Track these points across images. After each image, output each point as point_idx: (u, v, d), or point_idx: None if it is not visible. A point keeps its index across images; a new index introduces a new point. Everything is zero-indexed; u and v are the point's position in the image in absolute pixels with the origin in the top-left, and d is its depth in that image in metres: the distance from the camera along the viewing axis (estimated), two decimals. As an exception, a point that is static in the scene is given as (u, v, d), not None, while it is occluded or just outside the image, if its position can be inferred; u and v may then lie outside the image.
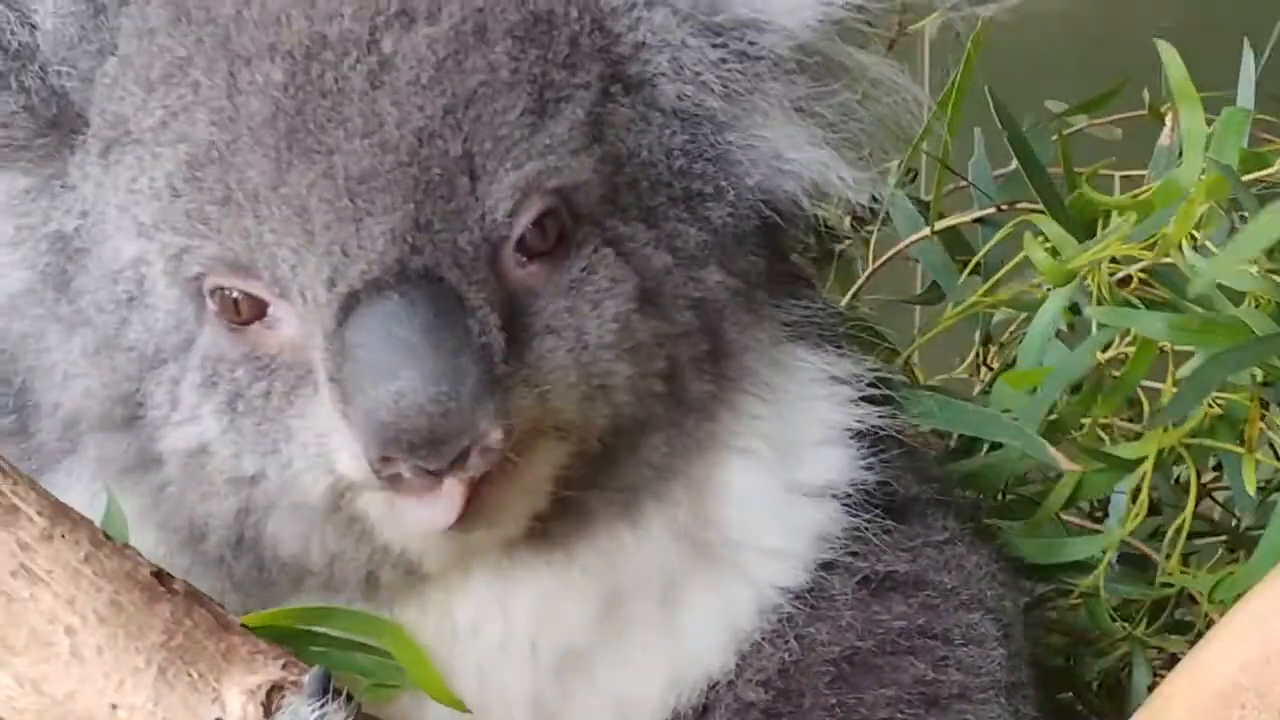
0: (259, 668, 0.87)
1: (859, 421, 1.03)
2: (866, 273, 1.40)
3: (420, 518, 0.90)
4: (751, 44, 1.00)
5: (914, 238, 1.31)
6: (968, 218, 1.29)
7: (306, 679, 0.86)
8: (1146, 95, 1.40)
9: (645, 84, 1.00)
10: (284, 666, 0.87)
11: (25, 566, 0.85)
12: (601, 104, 0.97)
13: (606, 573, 0.98)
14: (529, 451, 0.91)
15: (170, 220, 0.92)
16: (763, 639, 1.01)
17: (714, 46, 1.00)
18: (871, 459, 1.03)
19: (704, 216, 1.00)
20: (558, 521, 0.96)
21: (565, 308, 0.94)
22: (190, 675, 0.86)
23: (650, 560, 0.98)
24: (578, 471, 0.95)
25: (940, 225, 1.29)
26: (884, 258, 1.37)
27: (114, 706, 0.85)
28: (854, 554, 1.03)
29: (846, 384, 1.04)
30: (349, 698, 0.85)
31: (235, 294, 0.91)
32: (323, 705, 0.84)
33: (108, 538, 0.88)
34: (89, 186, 0.96)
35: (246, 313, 0.92)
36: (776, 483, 1.02)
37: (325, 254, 0.89)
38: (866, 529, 1.02)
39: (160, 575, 0.88)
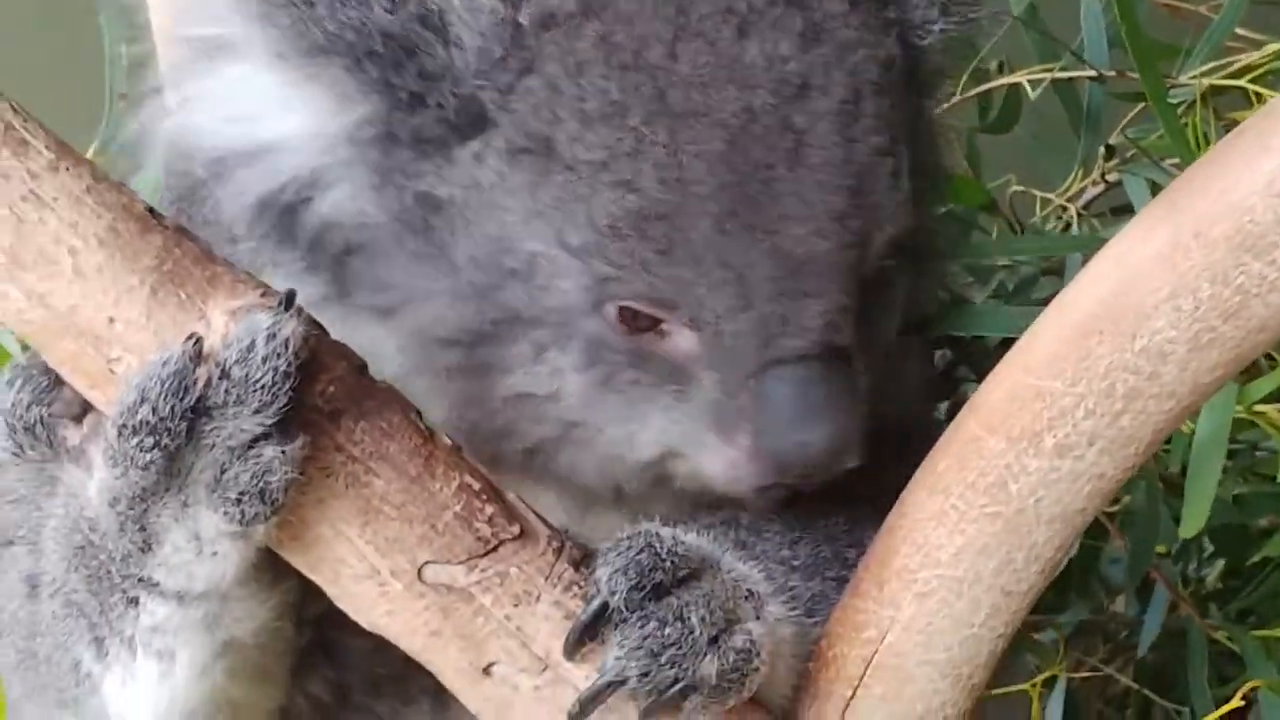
0: (240, 293, 0.97)
1: None
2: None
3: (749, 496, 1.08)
4: None
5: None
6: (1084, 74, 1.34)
7: (276, 299, 0.96)
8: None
9: (919, 64, 1.13)
10: (263, 294, 0.97)
11: (34, 193, 0.95)
12: (909, 126, 1.09)
13: None
14: None
15: (604, 253, 1.03)
16: None
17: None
18: None
19: (923, 181, 1.12)
20: None
21: (879, 324, 1.10)
22: (179, 296, 0.96)
23: None
24: None
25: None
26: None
27: (111, 320, 0.96)
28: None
29: None
30: (299, 310, 0.95)
31: (640, 312, 1.05)
32: (277, 315, 0.95)
33: (105, 176, 0.98)
34: (484, 174, 1.05)
35: (644, 326, 1.05)
36: None
37: (761, 322, 1.03)
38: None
39: (153, 211, 0.98)
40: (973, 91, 1.43)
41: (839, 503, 1.12)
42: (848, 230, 1.04)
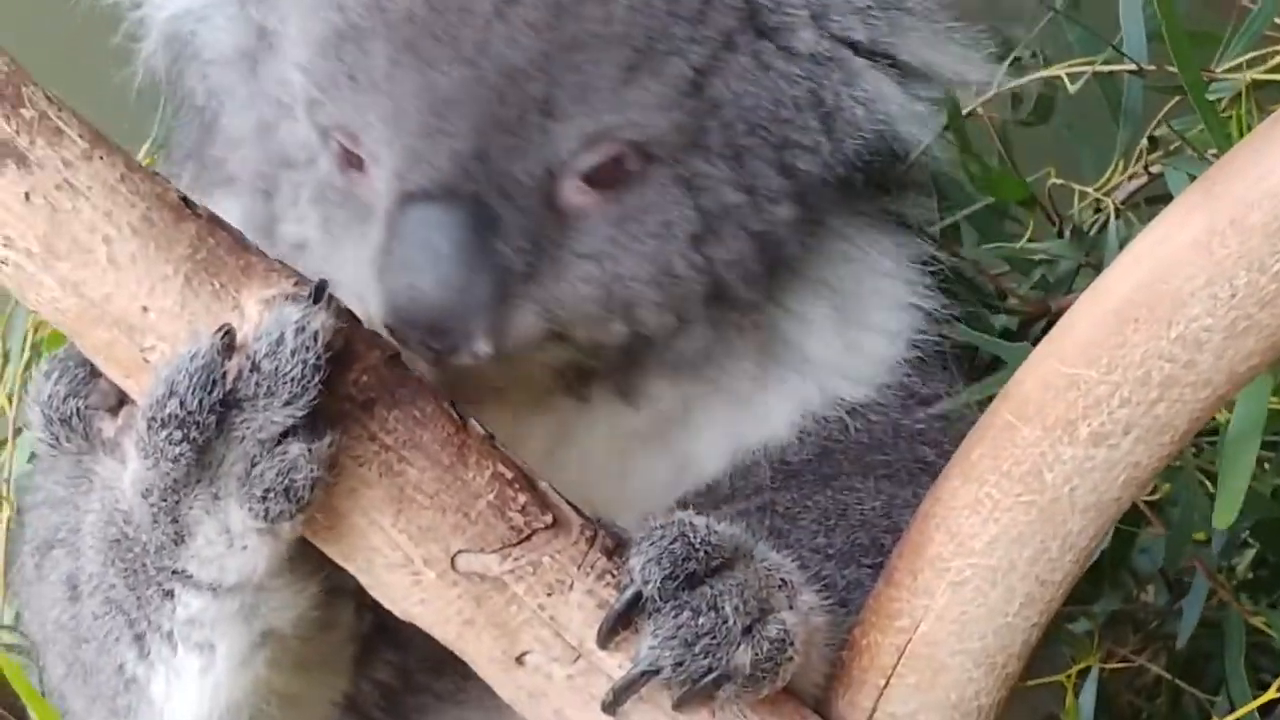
0: (274, 282, 0.97)
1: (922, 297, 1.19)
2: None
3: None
4: None
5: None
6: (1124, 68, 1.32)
7: (308, 289, 0.97)
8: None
9: (780, 30, 1.10)
10: (295, 283, 0.98)
11: (68, 181, 0.95)
12: (720, 54, 1.07)
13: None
14: (528, 351, 1.08)
15: (313, 75, 1.07)
16: (817, 421, 1.18)
17: None
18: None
19: (791, 164, 1.10)
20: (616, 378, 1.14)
21: (611, 237, 1.06)
22: (213, 285, 0.97)
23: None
24: (603, 360, 1.11)
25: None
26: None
27: (145, 309, 0.96)
28: (907, 375, 1.19)
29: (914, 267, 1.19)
30: (330, 300, 0.96)
31: (348, 149, 1.08)
32: (306, 308, 0.95)
33: (139, 164, 0.98)
34: (285, 4, 1.10)
35: (354, 164, 1.09)
36: (842, 330, 1.18)
37: (400, 154, 1.04)
38: (924, 360, 1.19)
39: (186, 200, 0.98)
40: (1010, 84, 1.42)
41: (876, 487, 1.13)
42: (520, 89, 1.04)
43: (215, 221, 0.98)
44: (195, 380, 0.93)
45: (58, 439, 1.00)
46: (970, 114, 1.45)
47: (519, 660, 0.99)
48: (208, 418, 0.93)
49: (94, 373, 0.99)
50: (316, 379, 0.94)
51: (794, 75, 1.11)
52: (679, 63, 1.07)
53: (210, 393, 0.93)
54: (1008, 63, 1.45)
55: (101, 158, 0.97)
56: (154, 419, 0.94)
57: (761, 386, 1.17)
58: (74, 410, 0.99)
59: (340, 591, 1.03)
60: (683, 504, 1.13)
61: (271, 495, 0.94)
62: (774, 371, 1.17)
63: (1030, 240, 1.38)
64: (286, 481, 0.94)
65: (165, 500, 0.95)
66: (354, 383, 0.97)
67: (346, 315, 0.97)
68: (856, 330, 1.19)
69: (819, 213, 1.15)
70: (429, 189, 1.04)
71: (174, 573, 0.98)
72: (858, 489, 1.14)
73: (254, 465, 0.94)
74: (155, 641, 1.00)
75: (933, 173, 1.23)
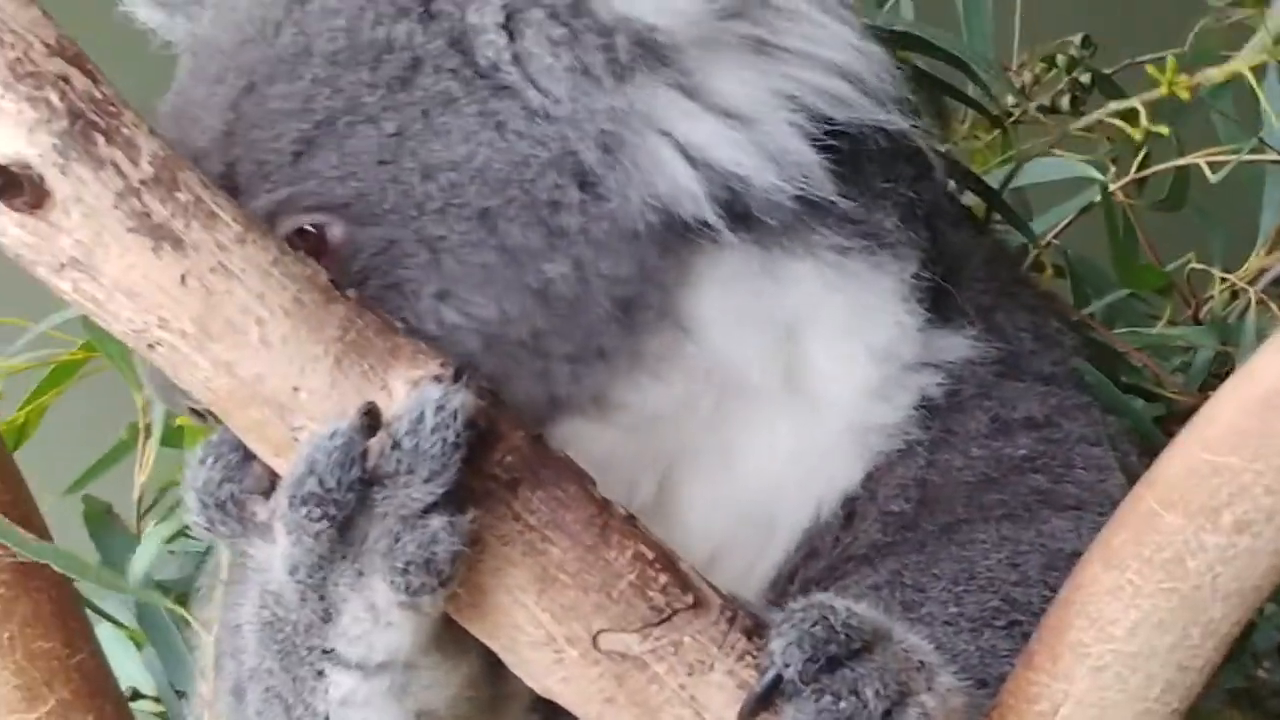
0: (421, 364, 0.99)
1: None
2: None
3: None
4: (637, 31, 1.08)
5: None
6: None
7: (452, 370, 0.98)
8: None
9: (504, 91, 1.09)
10: (441, 365, 0.99)
11: (223, 264, 0.97)
12: (433, 117, 1.08)
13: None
14: None
15: None
16: (893, 460, 1.15)
17: (599, 47, 1.08)
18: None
19: (553, 223, 1.09)
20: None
21: None
22: (362, 366, 0.98)
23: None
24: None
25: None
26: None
27: (296, 389, 0.98)
28: (984, 397, 1.16)
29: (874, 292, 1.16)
30: (472, 380, 0.97)
31: None
32: (447, 388, 0.96)
33: (291, 249, 1.01)
34: None
35: None
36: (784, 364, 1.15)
37: None
38: (992, 381, 1.16)
39: (335, 283, 1.00)
40: (1147, 171, 1.42)
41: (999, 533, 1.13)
42: (205, 168, 1.04)
43: (364, 304, 1.00)
44: (334, 459, 0.95)
45: (212, 523, 1.01)
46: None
47: (660, 740, 1.00)
48: (346, 495, 0.95)
49: (247, 457, 1.01)
50: (457, 456, 0.96)
51: (538, 135, 1.09)
52: (368, 130, 1.08)
53: (349, 470, 0.95)
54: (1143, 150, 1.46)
55: (254, 241, 0.99)
56: (294, 496, 0.95)
57: (726, 427, 1.15)
58: (229, 495, 1.01)
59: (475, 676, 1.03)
60: (790, 570, 1.15)
61: (413, 568, 0.95)
62: (739, 412, 1.14)
63: (1169, 324, 1.38)
64: (427, 554, 0.95)
65: (311, 577, 0.97)
66: (499, 462, 0.98)
67: (490, 396, 0.99)
68: (801, 362, 1.15)
69: (636, 262, 1.11)
70: None
71: (324, 652, 0.99)
72: (980, 540, 1.14)
73: (397, 541, 0.95)
74: None
75: (1070, 260, 1.23)
